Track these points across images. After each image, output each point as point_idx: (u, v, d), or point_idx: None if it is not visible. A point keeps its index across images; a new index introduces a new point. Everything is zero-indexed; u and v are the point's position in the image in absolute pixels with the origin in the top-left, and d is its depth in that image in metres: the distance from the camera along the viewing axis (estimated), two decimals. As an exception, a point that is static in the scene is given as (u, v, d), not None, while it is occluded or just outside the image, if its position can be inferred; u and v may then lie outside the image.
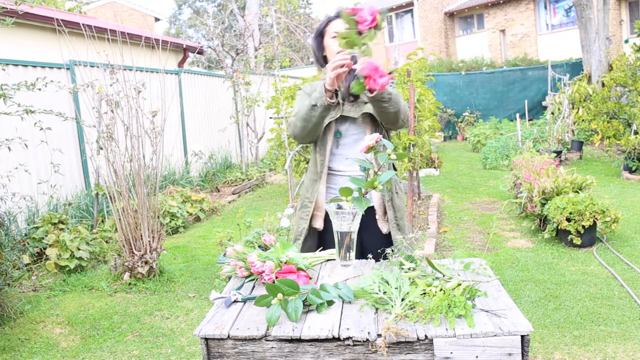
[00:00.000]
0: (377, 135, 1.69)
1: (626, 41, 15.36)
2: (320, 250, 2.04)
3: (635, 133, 8.05)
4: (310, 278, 1.72)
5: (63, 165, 5.50)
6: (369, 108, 2.11)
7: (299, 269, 1.72)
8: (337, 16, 2.12)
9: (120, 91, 4.24)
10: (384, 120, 2.10)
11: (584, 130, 10.01)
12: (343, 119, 2.15)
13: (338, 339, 1.37)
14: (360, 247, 2.16)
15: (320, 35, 2.18)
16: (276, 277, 1.66)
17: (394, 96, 2.01)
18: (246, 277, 1.79)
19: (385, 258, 1.77)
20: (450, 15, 21.19)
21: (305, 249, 2.17)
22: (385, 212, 2.19)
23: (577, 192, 4.90)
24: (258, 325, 1.43)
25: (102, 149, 4.37)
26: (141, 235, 4.16)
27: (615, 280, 3.89)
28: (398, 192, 2.24)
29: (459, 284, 1.54)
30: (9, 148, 3.73)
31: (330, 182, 2.20)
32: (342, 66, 1.90)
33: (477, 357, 1.33)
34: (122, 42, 4.34)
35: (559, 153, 8.82)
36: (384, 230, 2.19)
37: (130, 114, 4.17)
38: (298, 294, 1.50)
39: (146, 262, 4.21)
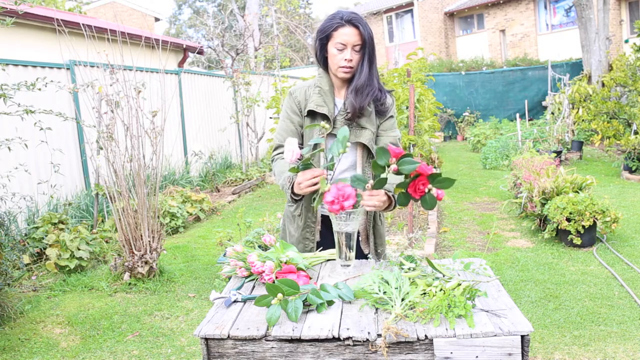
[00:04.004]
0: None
1: (626, 41, 15.36)
2: (319, 250, 2.04)
3: (635, 133, 8.05)
4: (310, 278, 1.72)
5: (63, 165, 5.50)
6: (365, 138, 2.02)
7: (299, 269, 1.72)
8: (349, 21, 1.95)
9: (120, 91, 4.24)
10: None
11: (584, 130, 10.01)
12: (334, 135, 2.02)
13: (338, 339, 1.37)
14: None
15: (326, 37, 2.00)
16: (276, 277, 1.67)
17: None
18: (246, 277, 1.79)
19: None
20: (450, 15, 21.20)
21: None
22: (368, 236, 2.14)
23: (577, 192, 4.90)
24: (258, 325, 1.43)
25: (102, 149, 4.37)
26: (141, 235, 4.16)
27: (615, 280, 3.89)
28: (383, 221, 2.21)
29: (459, 284, 1.54)
30: (9, 148, 3.73)
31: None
32: (314, 184, 1.77)
33: (477, 357, 1.33)
34: (122, 42, 4.34)
35: (559, 153, 8.82)
36: (366, 251, 2.15)
37: (130, 114, 4.17)
38: (298, 294, 1.50)
39: (146, 262, 4.21)
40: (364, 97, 2.00)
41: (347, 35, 1.94)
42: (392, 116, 2.13)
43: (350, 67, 1.98)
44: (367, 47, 1.98)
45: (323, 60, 2.06)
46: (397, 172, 1.64)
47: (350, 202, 1.65)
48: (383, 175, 1.66)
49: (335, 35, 1.96)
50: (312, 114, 2.06)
